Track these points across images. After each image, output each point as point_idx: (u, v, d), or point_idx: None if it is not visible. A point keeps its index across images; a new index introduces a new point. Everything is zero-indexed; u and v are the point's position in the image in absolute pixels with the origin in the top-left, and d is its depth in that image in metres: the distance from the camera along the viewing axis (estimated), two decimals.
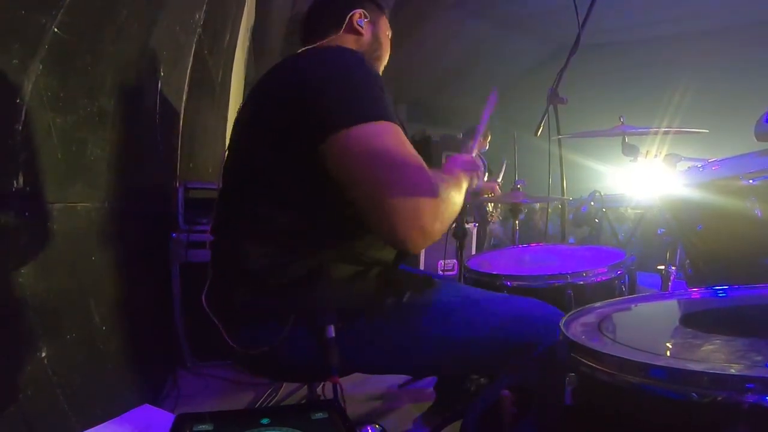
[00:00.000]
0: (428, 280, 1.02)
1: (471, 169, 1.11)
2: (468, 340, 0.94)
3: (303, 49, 1.08)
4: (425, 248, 1.00)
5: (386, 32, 1.24)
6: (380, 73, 1.24)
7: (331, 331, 0.90)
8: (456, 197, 0.95)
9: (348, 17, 1.15)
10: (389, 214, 0.81)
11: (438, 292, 1.00)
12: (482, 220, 4.43)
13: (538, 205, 4.81)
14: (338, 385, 0.89)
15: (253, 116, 1.01)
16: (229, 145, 1.07)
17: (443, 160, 1.13)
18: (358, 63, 0.94)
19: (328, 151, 0.86)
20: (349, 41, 1.16)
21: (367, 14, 1.18)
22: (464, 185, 1.05)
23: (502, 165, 4.88)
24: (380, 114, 0.86)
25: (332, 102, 0.87)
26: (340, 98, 0.88)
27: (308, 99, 0.89)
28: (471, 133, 4.94)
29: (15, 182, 1.03)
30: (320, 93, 0.89)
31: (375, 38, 1.20)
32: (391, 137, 0.85)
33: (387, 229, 0.83)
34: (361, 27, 1.17)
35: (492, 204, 4.43)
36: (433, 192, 0.85)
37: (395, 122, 0.88)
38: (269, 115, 0.96)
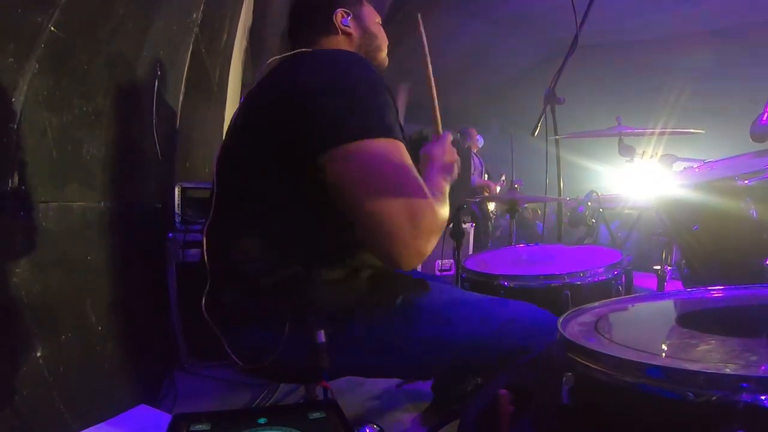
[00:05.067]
0: (421, 282, 1.02)
1: (448, 168, 1.06)
2: (460, 343, 0.93)
3: (299, 51, 1.02)
4: None
5: (374, 20, 1.17)
6: (385, 61, 1.19)
7: (322, 336, 0.89)
8: (446, 210, 0.94)
9: (332, 20, 1.09)
10: (387, 235, 0.82)
11: (431, 295, 0.99)
12: (483, 217, 4.47)
13: (527, 205, 4.84)
14: (329, 390, 0.89)
15: (248, 120, 1.00)
16: (222, 146, 1.05)
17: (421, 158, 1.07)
18: (359, 68, 0.92)
19: (327, 165, 0.85)
20: (341, 43, 1.11)
21: (348, 10, 1.11)
22: (447, 191, 1.03)
23: (501, 177, 4.88)
24: (383, 129, 0.85)
25: (334, 113, 0.86)
26: (341, 110, 0.86)
27: (308, 108, 0.88)
28: (465, 135, 4.95)
29: (10, 181, 1.03)
30: (321, 103, 0.87)
31: (365, 32, 1.13)
32: (393, 156, 0.85)
33: (383, 248, 0.83)
34: (348, 26, 1.10)
35: (491, 204, 4.45)
36: (431, 213, 0.85)
37: (398, 137, 0.87)
38: (265, 121, 0.95)
